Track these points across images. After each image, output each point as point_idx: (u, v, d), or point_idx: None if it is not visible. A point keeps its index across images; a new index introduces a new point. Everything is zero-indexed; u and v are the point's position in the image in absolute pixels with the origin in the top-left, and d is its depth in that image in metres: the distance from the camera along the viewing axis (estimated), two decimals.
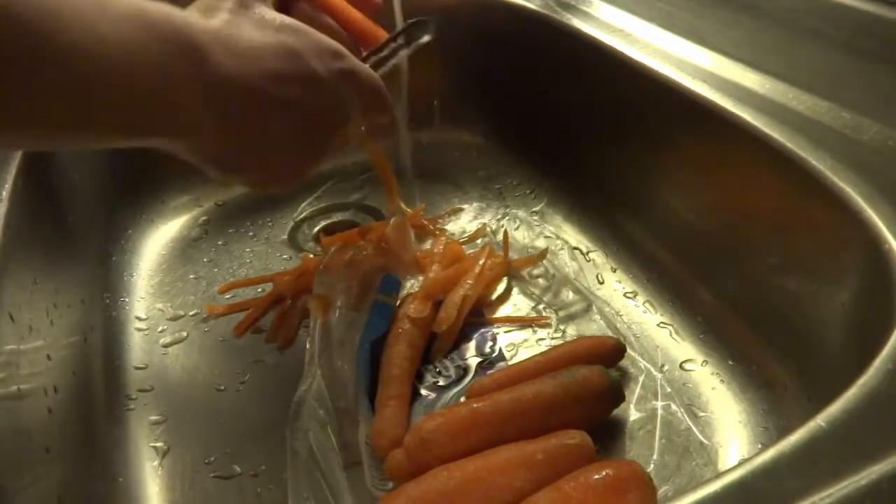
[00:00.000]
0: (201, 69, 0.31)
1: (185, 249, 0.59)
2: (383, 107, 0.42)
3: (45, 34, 0.25)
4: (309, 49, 0.36)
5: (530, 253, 0.57)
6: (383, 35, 0.46)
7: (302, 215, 0.63)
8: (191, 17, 0.32)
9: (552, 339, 0.50)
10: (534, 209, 0.63)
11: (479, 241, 0.59)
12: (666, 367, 0.47)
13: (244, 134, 0.35)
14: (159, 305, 0.54)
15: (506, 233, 0.57)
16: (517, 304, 0.53)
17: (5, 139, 0.30)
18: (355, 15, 0.45)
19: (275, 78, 0.34)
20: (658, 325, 0.50)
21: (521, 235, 0.60)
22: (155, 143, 0.34)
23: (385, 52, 0.46)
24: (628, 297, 0.53)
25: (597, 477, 0.33)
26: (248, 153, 0.36)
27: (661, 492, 0.39)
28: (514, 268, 0.55)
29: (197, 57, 0.31)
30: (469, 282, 0.51)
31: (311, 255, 0.57)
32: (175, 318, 0.52)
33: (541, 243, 0.59)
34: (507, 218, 0.62)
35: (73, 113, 0.28)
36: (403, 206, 0.58)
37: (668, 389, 0.45)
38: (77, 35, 0.26)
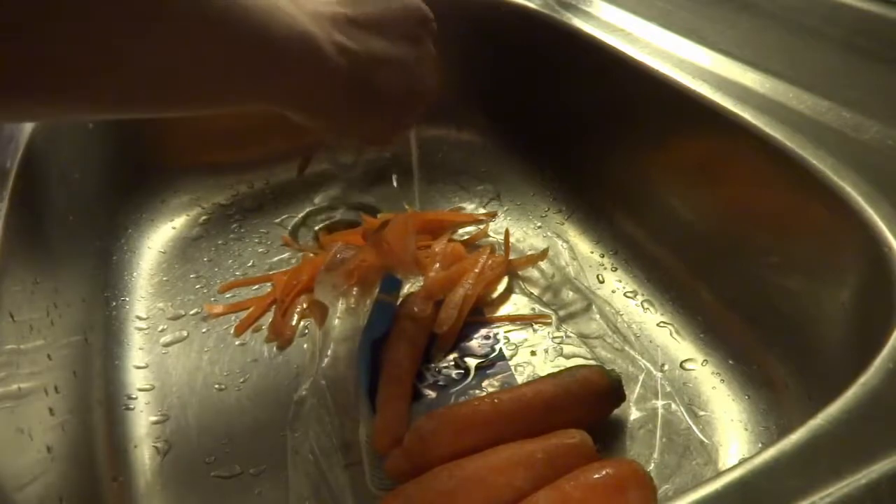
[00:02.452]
0: (298, 3, 0.33)
1: (185, 249, 0.59)
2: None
3: None
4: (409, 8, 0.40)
5: (530, 253, 0.57)
6: None
7: (302, 215, 0.63)
8: None
9: (552, 338, 0.50)
10: (534, 209, 0.63)
11: (478, 241, 0.59)
12: (666, 367, 0.47)
13: (351, 56, 0.35)
14: (159, 305, 0.54)
15: (507, 232, 0.57)
16: (517, 304, 0.53)
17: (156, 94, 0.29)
18: None
19: (386, 36, 0.37)
20: (658, 324, 0.50)
21: (521, 235, 0.60)
22: (269, 94, 0.34)
23: None
24: (628, 297, 0.53)
25: (597, 476, 0.33)
26: (363, 82, 0.37)
27: (661, 491, 0.39)
28: (514, 267, 0.55)
29: (325, 22, 0.34)
30: (469, 281, 0.51)
31: (312, 255, 0.57)
32: (175, 318, 0.52)
33: (541, 243, 0.59)
34: (507, 218, 0.62)
35: (215, 64, 0.29)
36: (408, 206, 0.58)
37: (669, 389, 0.45)
38: None
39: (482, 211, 0.64)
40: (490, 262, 0.54)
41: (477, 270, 0.52)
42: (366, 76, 0.37)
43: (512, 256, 0.56)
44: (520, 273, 0.55)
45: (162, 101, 0.30)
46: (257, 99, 0.34)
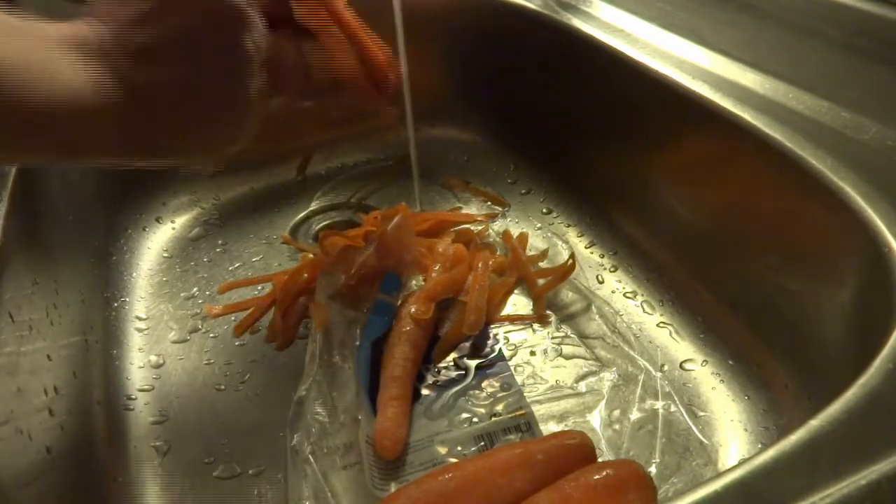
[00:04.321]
0: (68, 51, 0.29)
1: (185, 249, 0.59)
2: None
3: None
4: None
5: (531, 254, 0.57)
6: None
7: (302, 215, 0.63)
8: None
9: (552, 338, 0.50)
10: (533, 209, 0.63)
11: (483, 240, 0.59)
12: (666, 367, 0.47)
13: (137, 92, 0.31)
14: (159, 305, 0.54)
15: (523, 235, 0.58)
16: (517, 304, 0.53)
17: None
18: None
19: (142, 22, 0.31)
20: (658, 324, 0.50)
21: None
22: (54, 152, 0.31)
23: None
24: (628, 297, 0.53)
25: (597, 477, 0.33)
26: (158, 114, 0.32)
27: (661, 491, 0.39)
28: (526, 273, 0.55)
29: (61, 43, 0.29)
30: (481, 284, 0.51)
31: (311, 255, 0.57)
32: (175, 318, 0.52)
33: (541, 243, 0.59)
34: (507, 218, 0.62)
35: None
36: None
37: (668, 389, 0.45)
38: None
39: (482, 211, 0.64)
40: (493, 263, 0.54)
41: (480, 271, 0.52)
42: (141, 114, 0.32)
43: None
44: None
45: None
46: (31, 158, 0.32)
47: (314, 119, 0.40)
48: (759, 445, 0.42)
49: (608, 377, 0.46)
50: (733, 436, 0.42)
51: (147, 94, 0.31)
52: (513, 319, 0.51)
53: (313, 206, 0.64)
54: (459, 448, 0.42)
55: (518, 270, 0.54)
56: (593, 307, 0.51)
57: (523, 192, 0.65)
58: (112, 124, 0.31)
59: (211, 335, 0.51)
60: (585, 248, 0.58)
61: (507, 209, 0.63)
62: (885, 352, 0.29)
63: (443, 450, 0.42)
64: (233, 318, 0.52)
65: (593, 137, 0.61)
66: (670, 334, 0.50)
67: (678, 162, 0.53)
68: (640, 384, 0.45)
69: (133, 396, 0.46)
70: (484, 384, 0.46)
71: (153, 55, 0.31)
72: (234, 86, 0.34)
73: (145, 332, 0.51)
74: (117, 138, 0.32)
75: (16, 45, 0.28)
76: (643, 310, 0.52)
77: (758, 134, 0.43)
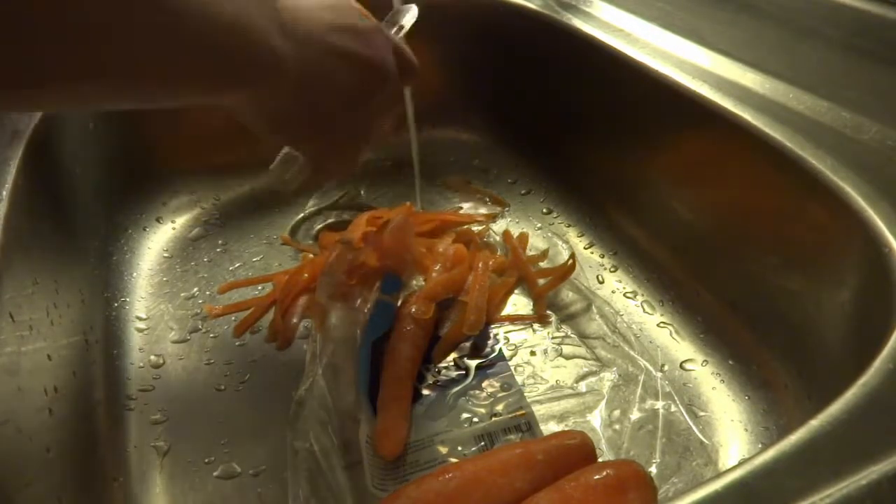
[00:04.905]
0: (278, 19, 0.33)
1: (185, 249, 0.59)
2: (412, 67, 0.44)
3: None
4: (350, 9, 0.39)
5: (531, 254, 0.57)
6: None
7: (302, 215, 0.63)
8: None
9: (552, 338, 0.50)
10: (533, 209, 0.63)
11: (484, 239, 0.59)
12: (666, 367, 0.47)
13: (312, 79, 0.36)
14: (159, 305, 0.54)
15: (523, 235, 0.58)
16: (517, 304, 0.53)
17: (75, 91, 0.28)
18: None
19: (333, 28, 0.37)
20: (658, 324, 0.50)
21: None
22: (229, 95, 0.34)
23: None
24: (628, 297, 0.53)
25: (597, 477, 0.33)
26: (315, 103, 0.37)
27: (661, 491, 0.39)
28: (527, 274, 0.55)
29: (273, 9, 0.33)
30: (481, 284, 0.51)
31: (311, 255, 0.57)
32: (175, 318, 0.52)
33: (541, 243, 0.59)
34: (507, 218, 0.62)
35: (164, 53, 0.28)
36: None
37: (669, 389, 0.45)
38: None
39: (483, 211, 0.64)
40: (492, 263, 0.54)
41: (480, 271, 0.52)
42: (319, 98, 0.37)
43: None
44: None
45: (117, 95, 0.30)
46: (210, 101, 0.34)
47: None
48: (759, 445, 0.42)
49: (608, 377, 0.46)
50: (733, 436, 0.42)
51: (324, 85, 0.37)
52: (513, 319, 0.51)
53: (313, 206, 0.64)
54: (459, 448, 0.42)
55: (518, 270, 0.54)
56: (593, 307, 0.51)
57: (523, 192, 0.65)
58: (288, 96, 0.35)
59: (211, 335, 0.51)
60: (585, 248, 0.58)
61: (507, 209, 0.63)
62: (885, 352, 0.30)
63: (443, 450, 0.42)
64: (233, 318, 0.52)
65: (593, 137, 0.61)
66: (670, 334, 0.50)
67: (678, 162, 0.53)
68: (641, 384, 0.45)
69: (133, 396, 0.46)
70: (484, 384, 0.46)
71: (341, 61, 0.37)
72: (371, 108, 0.41)
73: (145, 332, 0.51)
74: (285, 110, 0.36)
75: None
76: (643, 310, 0.52)
77: (758, 134, 0.43)
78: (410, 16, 0.48)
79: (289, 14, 0.34)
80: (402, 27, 0.47)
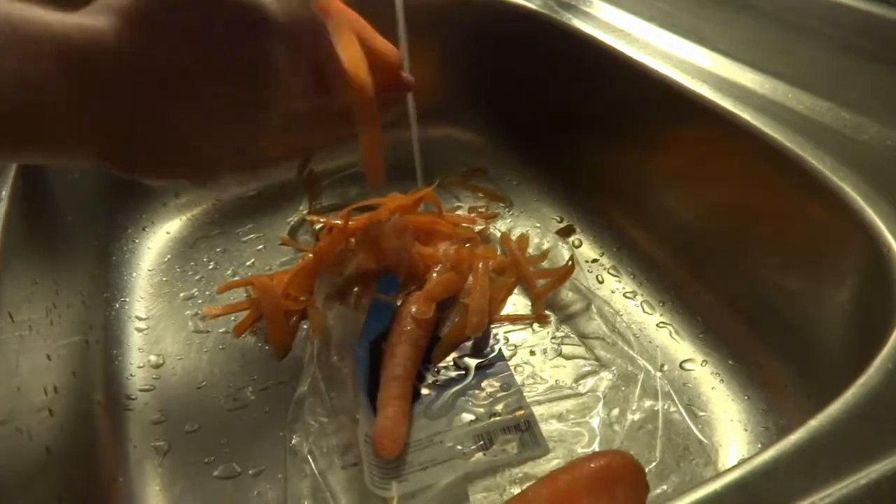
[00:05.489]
0: (69, 62, 0.27)
1: (185, 249, 0.59)
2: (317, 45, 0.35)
3: None
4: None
5: (531, 253, 0.57)
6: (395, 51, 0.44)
7: (301, 215, 0.63)
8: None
9: (552, 338, 0.50)
10: (533, 209, 0.63)
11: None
12: (666, 367, 0.47)
13: (141, 101, 0.29)
14: (159, 305, 0.54)
15: (523, 237, 0.58)
16: (516, 304, 0.53)
17: None
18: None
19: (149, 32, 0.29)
20: (658, 325, 0.50)
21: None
22: (70, 154, 0.30)
23: None
24: (628, 297, 0.53)
25: (591, 466, 0.33)
26: (154, 117, 0.30)
27: (660, 491, 0.39)
28: (525, 275, 0.55)
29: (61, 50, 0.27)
30: (482, 285, 0.51)
31: (311, 255, 0.57)
32: (175, 318, 0.52)
33: (540, 243, 0.59)
34: (507, 218, 0.62)
35: None
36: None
37: (668, 389, 0.45)
38: None
39: (483, 210, 0.64)
40: (493, 264, 0.54)
41: (480, 272, 0.52)
42: (156, 107, 0.30)
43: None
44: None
45: None
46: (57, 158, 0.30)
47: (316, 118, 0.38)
48: (759, 445, 0.42)
49: (608, 377, 0.46)
50: (733, 436, 0.43)
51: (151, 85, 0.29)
52: (513, 319, 0.51)
53: (313, 206, 0.64)
54: (459, 447, 0.42)
55: (517, 272, 0.54)
56: (593, 307, 0.51)
57: (523, 191, 0.65)
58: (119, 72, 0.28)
59: (211, 336, 0.51)
60: (585, 248, 0.58)
61: (507, 208, 0.63)
62: (885, 352, 0.30)
63: (442, 449, 0.42)
64: (233, 318, 0.52)
65: (593, 137, 0.61)
66: (670, 334, 0.50)
67: (678, 162, 0.53)
68: (640, 384, 0.45)
69: (133, 396, 0.46)
70: (484, 384, 0.46)
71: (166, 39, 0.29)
72: (255, 84, 0.32)
73: (145, 332, 0.51)
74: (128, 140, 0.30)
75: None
76: (643, 310, 0.52)
77: (757, 134, 0.43)
78: None
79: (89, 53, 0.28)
80: None
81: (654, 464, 0.40)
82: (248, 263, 0.58)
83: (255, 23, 0.31)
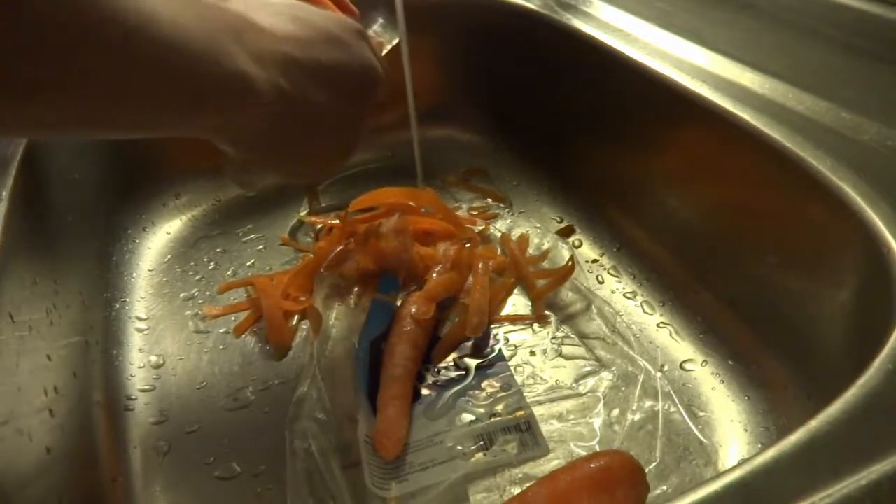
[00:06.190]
0: (242, 40, 0.31)
1: (185, 249, 0.59)
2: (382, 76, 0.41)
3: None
4: (319, 16, 0.36)
5: (531, 253, 0.57)
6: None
7: (301, 215, 0.63)
8: None
9: (552, 339, 0.50)
10: (533, 209, 0.63)
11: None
12: (666, 367, 0.47)
13: (289, 102, 0.33)
14: (159, 305, 0.54)
15: (524, 237, 0.58)
16: (516, 304, 0.53)
17: (50, 106, 0.27)
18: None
19: (305, 43, 0.34)
20: (658, 325, 0.50)
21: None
22: (201, 121, 0.33)
23: None
24: (628, 298, 0.53)
25: (591, 467, 0.33)
26: (295, 128, 0.35)
27: (660, 491, 0.39)
28: (525, 275, 0.55)
29: (239, 31, 0.31)
30: (482, 285, 0.51)
31: (311, 255, 0.57)
32: (175, 318, 0.52)
33: (540, 243, 0.59)
34: (507, 218, 0.62)
35: (123, 78, 0.27)
36: None
37: (668, 389, 0.45)
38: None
39: (483, 210, 0.64)
40: (493, 264, 0.54)
41: (481, 272, 0.52)
42: (299, 124, 0.35)
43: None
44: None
45: (92, 125, 0.30)
46: (186, 131, 0.32)
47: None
48: (759, 445, 0.42)
49: (608, 377, 0.46)
50: (733, 436, 0.43)
51: (302, 107, 0.34)
52: (513, 319, 0.51)
53: (313, 206, 0.64)
54: (459, 448, 0.42)
55: (517, 273, 0.54)
56: (593, 307, 0.51)
57: (523, 191, 0.65)
58: (262, 117, 0.33)
59: (211, 336, 0.51)
60: (585, 248, 0.58)
61: (507, 208, 0.63)
62: (885, 352, 0.30)
63: (443, 449, 0.42)
64: (233, 318, 0.52)
65: (593, 137, 0.61)
66: (670, 334, 0.50)
67: (678, 162, 0.53)
68: (640, 384, 0.45)
69: (133, 397, 0.46)
70: (484, 384, 0.46)
71: (322, 79, 0.35)
72: (359, 129, 0.39)
73: (145, 333, 0.51)
74: (259, 132, 0.34)
75: (202, 17, 0.29)
76: (643, 310, 0.52)
77: (757, 134, 0.43)
78: (394, 33, 0.45)
79: (253, 37, 0.32)
80: (380, 43, 0.44)
81: (654, 464, 0.40)
82: (248, 264, 0.58)
83: (375, 84, 0.38)
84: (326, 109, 0.36)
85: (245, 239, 0.61)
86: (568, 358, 0.48)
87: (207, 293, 0.55)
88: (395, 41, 0.46)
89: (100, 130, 0.34)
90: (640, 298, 0.53)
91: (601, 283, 0.55)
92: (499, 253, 0.57)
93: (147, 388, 0.47)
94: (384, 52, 0.44)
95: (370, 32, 0.44)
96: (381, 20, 0.46)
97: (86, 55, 0.25)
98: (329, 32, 0.36)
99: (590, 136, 0.61)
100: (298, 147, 0.37)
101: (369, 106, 0.39)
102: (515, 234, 0.59)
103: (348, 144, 0.40)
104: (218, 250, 0.59)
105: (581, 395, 0.45)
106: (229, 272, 0.57)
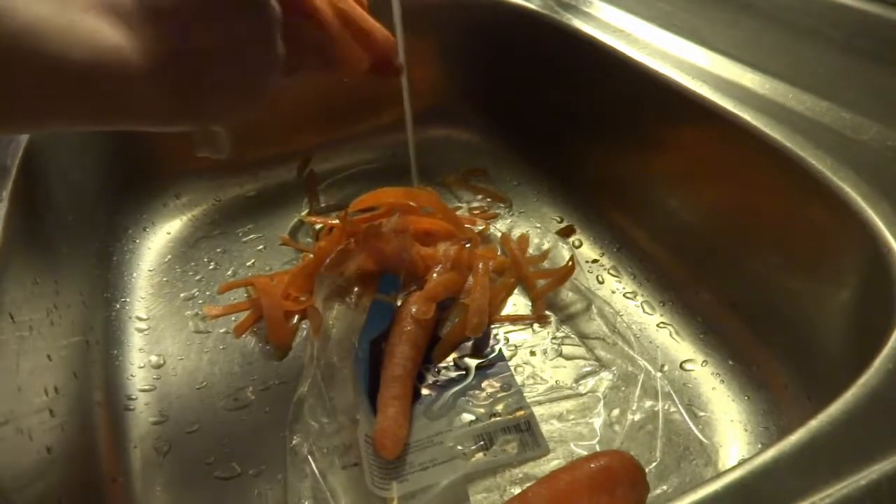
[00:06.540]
0: (107, 6, 0.30)
1: (185, 249, 0.59)
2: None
3: None
4: None
5: (531, 253, 0.57)
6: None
7: (301, 216, 0.63)
8: None
9: (552, 339, 0.50)
10: (533, 209, 0.63)
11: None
12: (666, 367, 0.47)
13: (174, 56, 0.31)
14: (160, 305, 0.54)
15: (524, 237, 0.58)
16: (516, 304, 0.53)
17: None
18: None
19: None
20: (658, 325, 0.50)
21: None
22: (90, 116, 0.31)
23: None
24: (628, 298, 0.53)
25: (591, 467, 0.34)
26: (191, 74, 0.33)
27: (660, 491, 0.39)
28: (525, 275, 0.55)
29: None
30: (482, 285, 0.51)
31: (311, 255, 0.57)
32: (175, 318, 0.52)
33: (541, 243, 0.59)
34: (507, 218, 0.62)
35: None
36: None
37: (668, 389, 0.45)
38: None
39: (483, 209, 0.64)
40: (493, 264, 0.54)
41: (481, 273, 0.52)
42: (180, 76, 0.32)
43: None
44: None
45: None
46: (70, 122, 0.32)
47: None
48: (759, 445, 0.42)
49: (608, 377, 0.46)
50: (733, 436, 0.43)
51: (183, 57, 0.32)
52: (513, 319, 0.51)
53: (313, 206, 0.64)
54: (460, 448, 0.42)
55: (517, 273, 0.54)
56: (593, 307, 0.51)
57: (523, 191, 0.65)
58: (149, 85, 0.31)
59: (211, 336, 0.51)
60: (586, 248, 0.58)
61: (507, 208, 0.63)
62: (885, 352, 0.30)
63: (443, 449, 0.42)
64: (233, 318, 0.52)
65: (593, 137, 0.61)
66: (670, 334, 0.50)
67: (678, 162, 0.53)
68: (640, 384, 0.45)
69: (133, 397, 0.46)
70: (484, 384, 0.46)
71: (187, 19, 0.32)
72: (261, 50, 0.35)
73: (146, 333, 0.51)
74: (154, 98, 0.32)
75: (57, 5, 0.28)
76: (643, 310, 0.52)
77: (758, 134, 0.43)
78: None
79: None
80: None
81: (654, 464, 0.41)
82: (248, 264, 0.58)
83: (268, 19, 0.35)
84: (200, 49, 0.33)
85: (245, 239, 0.61)
86: (568, 358, 0.48)
87: (207, 293, 0.55)
88: None
89: None
90: (640, 298, 0.53)
91: (601, 283, 0.55)
92: (499, 253, 0.57)
93: (147, 387, 0.47)
94: None
95: None
96: None
97: None
98: None
99: (590, 136, 0.61)
100: (196, 98, 0.34)
101: (269, 38, 0.35)
102: (515, 234, 0.59)
103: (259, 76, 0.36)
104: (218, 250, 0.59)
105: (581, 395, 0.45)
106: (229, 272, 0.57)
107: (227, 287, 0.54)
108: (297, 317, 0.52)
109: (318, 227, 0.61)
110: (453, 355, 0.48)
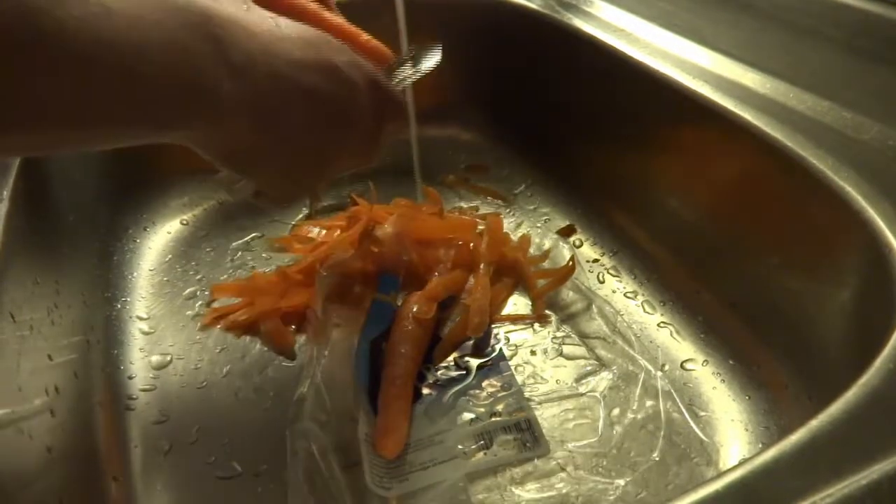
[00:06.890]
0: (223, 49, 0.30)
1: (186, 249, 0.59)
2: (397, 108, 0.42)
3: (44, 7, 0.23)
4: (325, 43, 0.35)
5: (531, 253, 0.57)
6: (390, 54, 0.45)
7: (302, 216, 0.63)
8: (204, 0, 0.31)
9: (552, 338, 0.50)
10: (533, 208, 0.63)
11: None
12: (666, 367, 0.47)
13: (266, 119, 0.33)
14: (161, 305, 0.54)
15: (524, 237, 0.57)
16: (517, 304, 0.53)
17: (12, 139, 0.27)
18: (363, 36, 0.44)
19: (297, 63, 0.33)
20: (658, 324, 0.50)
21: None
22: (172, 135, 0.33)
23: (393, 75, 0.44)
24: (628, 297, 0.53)
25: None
26: (269, 142, 0.34)
27: (661, 491, 0.39)
28: (525, 274, 0.55)
29: (218, 37, 0.30)
30: (483, 285, 0.51)
31: (311, 256, 0.57)
32: (176, 318, 0.52)
33: (541, 243, 0.59)
34: (508, 218, 0.62)
35: (81, 103, 0.26)
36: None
37: (669, 389, 0.45)
38: (80, 10, 0.24)
39: (483, 209, 0.64)
40: (493, 264, 0.54)
41: (481, 273, 0.52)
42: (271, 139, 0.34)
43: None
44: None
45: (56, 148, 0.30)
46: (158, 139, 0.33)
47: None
48: (760, 445, 0.42)
49: (608, 377, 0.46)
50: (734, 435, 0.42)
51: (277, 131, 0.34)
52: (513, 319, 0.51)
53: (313, 206, 0.64)
54: (460, 447, 0.42)
55: (517, 273, 0.54)
56: (594, 307, 0.51)
57: (524, 191, 0.65)
58: (233, 136, 0.33)
59: (211, 336, 0.51)
60: (586, 248, 0.58)
61: (508, 209, 0.63)
62: (886, 352, 0.29)
63: (443, 449, 0.42)
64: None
65: (594, 137, 0.61)
66: (671, 334, 0.50)
67: (679, 162, 0.53)
68: (641, 384, 0.45)
69: (134, 396, 0.46)
70: (484, 384, 0.46)
71: (301, 103, 0.34)
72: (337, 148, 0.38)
73: (146, 333, 0.51)
74: (233, 149, 0.34)
75: (165, 28, 0.28)
76: (644, 310, 0.52)
77: (759, 134, 0.43)
78: (431, 61, 0.44)
79: (241, 51, 0.30)
80: (417, 70, 0.44)
81: (654, 464, 0.40)
82: (248, 264, 0.58)
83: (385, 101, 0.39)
84: (302, 128, 0.35)
85: (245, 239, 0.61)
86: (568, 357, 0.48)
87: (208, 293, 0.55)
88: (430, 66, 0.46)
89: (67, 149, 0.34)
90: (640, 298, 0.53)
91: (602, 282, 0.55)
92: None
93: (148, 387, 0.47)
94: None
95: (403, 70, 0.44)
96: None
97: (40, 90, 0.24)
98: (330, 62, 0.35)
99: (590, 135, 0.61)
100: (271, 162, 0.36)
101: (347, 138, 0.38)
102: (516, 234, 0.59)
103: (321, 171, 0.39)
104: (219, 250, 0.59)
105: (581, 394, 0.45)
106: (230, 272, 0.57)
107: (227, 287, 0.54)
108: (296, 317, 0.52)
109: (316, 230, 0.61)
110: (454, 355, 0.48)
